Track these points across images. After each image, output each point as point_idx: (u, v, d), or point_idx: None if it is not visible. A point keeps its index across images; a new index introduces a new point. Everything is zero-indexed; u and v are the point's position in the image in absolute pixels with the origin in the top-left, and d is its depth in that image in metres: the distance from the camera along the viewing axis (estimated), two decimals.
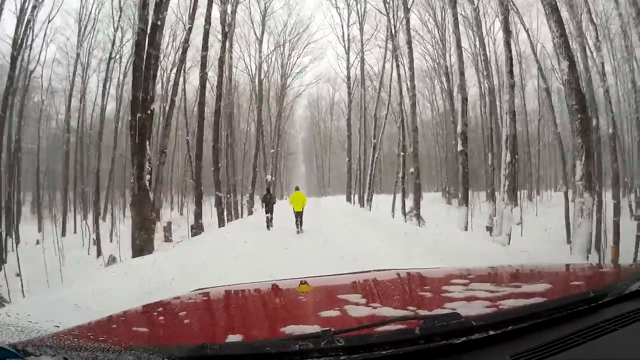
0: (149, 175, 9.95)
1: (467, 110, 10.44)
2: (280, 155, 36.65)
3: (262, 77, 23.90)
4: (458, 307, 1.07)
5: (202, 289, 1.66)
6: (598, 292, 1.09)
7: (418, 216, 14.52)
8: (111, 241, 18.98)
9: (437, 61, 27.26)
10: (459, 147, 10.20)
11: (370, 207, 20.74)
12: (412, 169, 14.65)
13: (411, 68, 14.70)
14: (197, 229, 13.16)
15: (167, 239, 20.62)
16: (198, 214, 13.37)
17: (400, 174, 17.24)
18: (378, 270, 1.89)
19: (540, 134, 29.47)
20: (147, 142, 10.12)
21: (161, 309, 1.43)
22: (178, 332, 1.18)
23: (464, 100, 10.25)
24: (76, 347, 0.90)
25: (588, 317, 1.02)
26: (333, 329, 0.88)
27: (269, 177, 25.09)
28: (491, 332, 0.91)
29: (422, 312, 1.08)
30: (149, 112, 10.05)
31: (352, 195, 26.74)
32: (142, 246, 9.44)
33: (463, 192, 10.29)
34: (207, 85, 18.46)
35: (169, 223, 22.59)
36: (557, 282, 1.50)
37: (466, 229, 9.69)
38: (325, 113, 48.23)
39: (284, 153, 39.76)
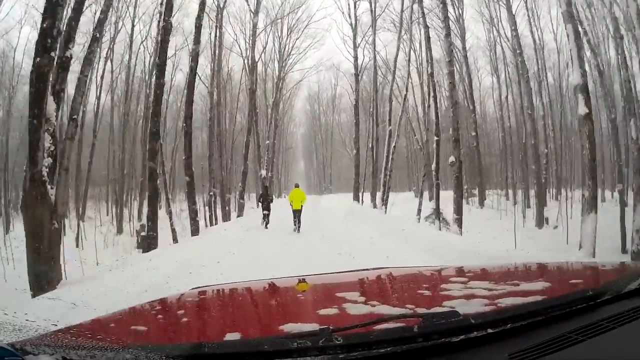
0: (49, 159, 5.53)
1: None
2: (278, 150, 32.85)
3: (255, 57, 19.69)
4: (457, 305, 1.07)
5: (200, 287, 1.63)
6: (597, 290, 1.09)
7: (460, 223, 10.41)
8: (77, 246, 16.41)
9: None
10: (582, 110, 6.04)
11: (386, 208, 16.45)
12: (452, 159, 10.67)
13: (446, 27, 10.71)
14: (148, 241, 8.89)
15: (140, 245, 16.68)
16: (152, 223, 9.11)
17: (434, 166, 13.05)
18: (377, 268, 1.84)
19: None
20: (49, 106, 5.58)
21: (159, 307, 1.42)
22: (176, 331, 1.18)
23: (577, 36, 6.08)
24: (74, 346, 0.90)
25: (587, 315, 1.02)
26: (331, 327, 0.88)
27: (263, 172, 21.58)
28: (490, 330, 0.91)
29: (421, 310, 1.08)
30: (52, 54, 5.58)
31: (360, 194, 22.50)
32: (41, 275, 6.18)
33: (592, 190, 6.09)
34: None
35: (142, 226, 18.11)
36: (555, 280, 1.49)
37: (594, 254, 5.50)
38: (327, 106, 46.17)
39: (282, 147, 35.85)
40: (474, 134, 28.26)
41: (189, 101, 12.52)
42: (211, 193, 18.62)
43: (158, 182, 9.89)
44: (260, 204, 13.95)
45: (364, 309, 1.13)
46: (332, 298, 1.31)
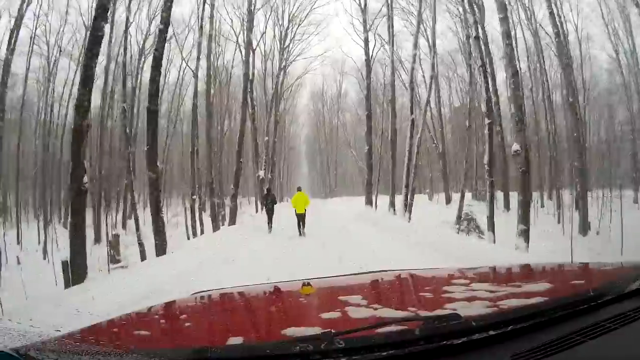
0: None
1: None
2: (280, 151, 29.69)
3: (253, 42, 16.81)
4: (458, 307, 1.09)
5: (203, 291, 1.66)
6: (599, 291, 1.10)
7: (527, 236, 7.07)
8: (44, 258, 14.32)
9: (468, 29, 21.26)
10: None
11: (409, 215, 13.03)
12: (515, 146, 7.39)
13: None
14: (70, 273, 5.53)
15: (114, 259, 14.15)
16: (76, 243, 5.73)
17: (486, 158, 9.64)
18: (379, 271, 1.86)
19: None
20: None
21: (162, 312, 1.44)
22: (179, 335, 1.20)
23: None
24: (78, 351, 0.92)
25: (589, 316, 1.03)
26: (333, 331, 0.90)
27: (261, 172, 18.82)
28: (492, 333, 0.92)
29: (423, 313, 1.11)
30: None
31: (373, 197, 19.08)
32: None
33: None
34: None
35: (116, 236, 15.92)
36: (557, 281, 1.51)
37: None
38: (332, 104, 43.85)
39: (285, 147, 32.64)
40: (498, 128, 25.13)
41: (156, 70, 9.21)
42: (194, 197, 15.29)
43: (85, 180, 6.50)
44: (263, 207, 13.76)
45: (366, 312, 1.15)
46: (334, 301, 1.33)
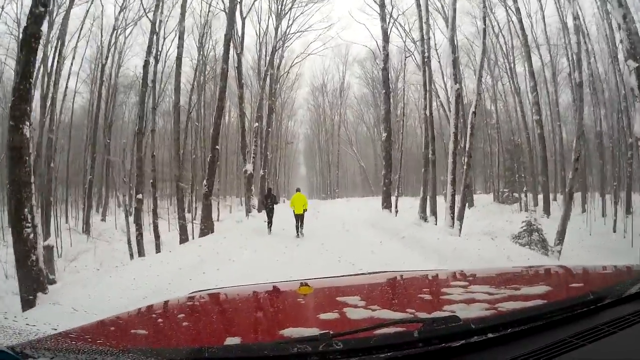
0: None
1: None
2: (276, 146, 25.17)
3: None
4: (457, 309, 1.10)
5: (201, 291, 1.62)
6: (597, 295, 1.09)
7: None
8: None
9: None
10: None
11: (460, 226, 8.46)
12: None
13: None
14: None
15: (48, 278, 9.92)
16: None
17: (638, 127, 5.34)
18: (378, 272, 1.83)
19: None
20: None
21: (159, 311, 1.42)
22: (176, 335, 1.19)
23: None
24: (74, 350, 0.92)
25: (587, 320, 1.03)
26: (331, 332, 0.90)
27: (249, 166, 15.48)
28: (490, 335, 0.92)
29: (421, 315, 1.10)
30: None
31: (393, 198, 14.56)
32: None
33: None
34: None
35: (49, 249, 11.62)
36: (556, 284, 1.49)
37: None
38: (334, 97, 40.95)
39: (280, 142, 28.14)
40: (537, 117, 21.37)
41: None
42: (139, 196, 10.61)
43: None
44: (263, 207, 13.62)
45: (364, 313, 1.14)
46: (333, 302, 1.33)
